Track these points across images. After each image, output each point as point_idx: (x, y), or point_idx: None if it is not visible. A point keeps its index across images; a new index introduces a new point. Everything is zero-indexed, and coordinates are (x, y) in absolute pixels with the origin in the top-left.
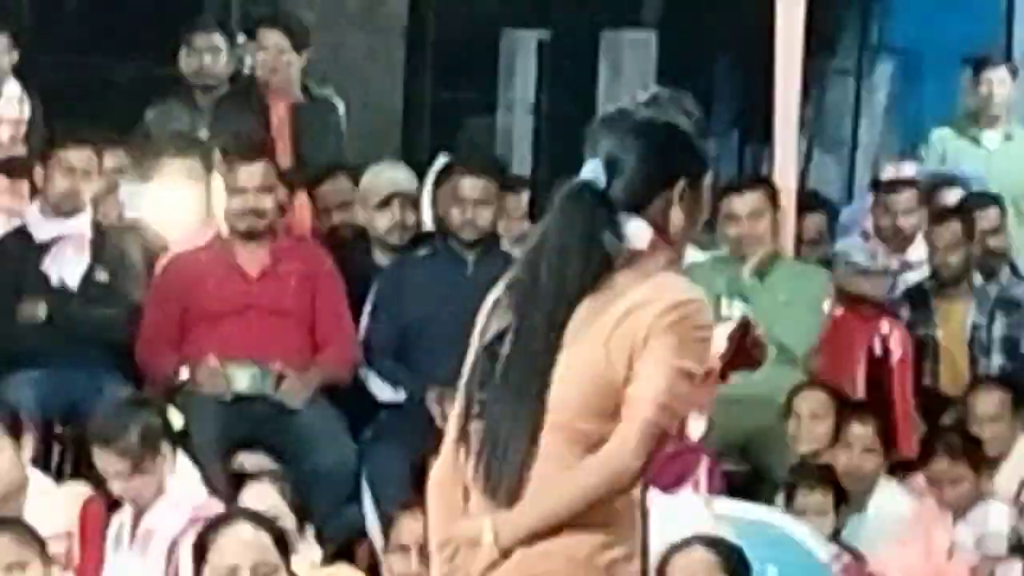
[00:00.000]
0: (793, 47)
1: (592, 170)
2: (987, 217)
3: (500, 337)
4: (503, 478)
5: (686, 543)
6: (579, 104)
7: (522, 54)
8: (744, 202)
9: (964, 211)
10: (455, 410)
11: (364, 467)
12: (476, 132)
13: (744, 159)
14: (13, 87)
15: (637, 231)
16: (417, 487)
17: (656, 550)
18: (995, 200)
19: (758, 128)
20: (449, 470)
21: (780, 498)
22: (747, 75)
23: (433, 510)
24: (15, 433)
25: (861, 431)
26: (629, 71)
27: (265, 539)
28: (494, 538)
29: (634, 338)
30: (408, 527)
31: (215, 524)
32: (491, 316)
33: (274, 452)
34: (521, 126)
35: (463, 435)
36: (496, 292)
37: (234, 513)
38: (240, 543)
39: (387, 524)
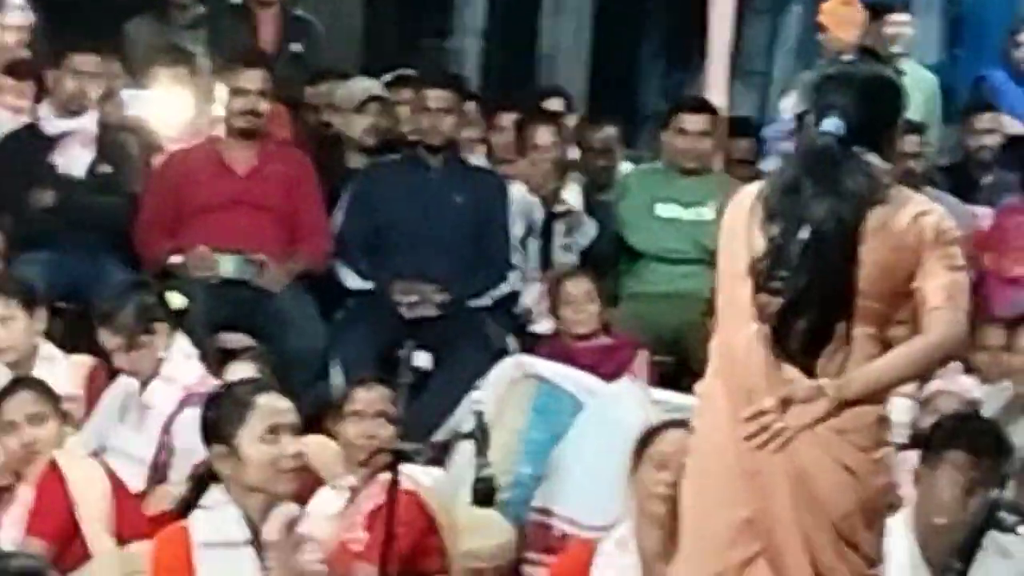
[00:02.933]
0: None
1: (833, 123)
2: (908, 142)
3: (784, 234)
4: (800, 345)
5: (664, 426)
6: (523, 31)
7: None
8: (695, 121)
9: None
10: (747, 290)
11: (334, 348)
12: (432, 53)
13: (669, 84)
14: None
15: (877, 162)
16: (381, 365)
17: (608, 429)
18: (915, 127)
19: (683, 57)
20: (756, 341)
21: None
22: (674, 8)
23: (750, 376)
24: (28, 307)
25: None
26: (570, 3)
27: None
28: (837, 393)
29: (923, 237)
30: (362, 396)
31: None
32: (759, 221)
33: (255, 332)
34: (471, 49)
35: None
36: (752, 201)
37: None
38: None
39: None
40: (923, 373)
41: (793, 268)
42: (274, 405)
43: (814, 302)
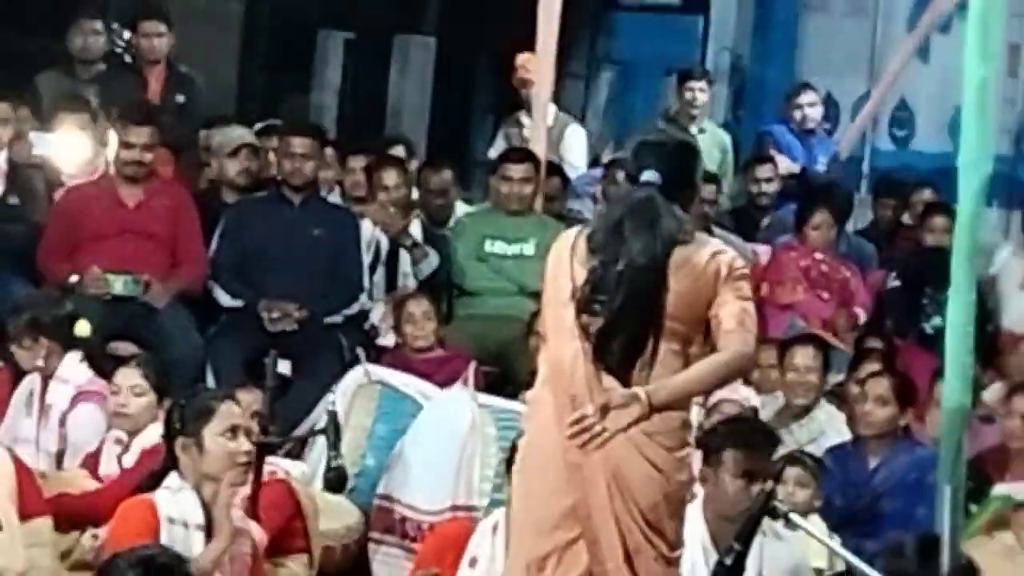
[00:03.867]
0: (548, 54)
1: (652, 175)
2: (705, 190)
3: (603, 266)
4: (616, 359)
5: None
6: (375, 90)
7: (333, 49)
8: (519, 169)
9: None
10: (571, 312)
11: (208, 356)
12: (294, 107)
13: (496, 136)
14: None
15: (680, 213)
16: (248, 371)
17: (442, 427)
18: (711, 177)
19: (508, 112)
20: (580, 356)
21: (523, 394)
22: (501, 73)
23: (574, 385)
24: None
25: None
26: (414, 66)
27: None
28: (647, 400)
29: (719, 272)
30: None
31: None
32: (581, 256)
33: (141, 342)
34: (329, 103)
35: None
36: (575, 239)
37: None
38: None
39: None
40: (720, 384)
41: (610, 294)
42: (234, 410)
43: (628, 323)
